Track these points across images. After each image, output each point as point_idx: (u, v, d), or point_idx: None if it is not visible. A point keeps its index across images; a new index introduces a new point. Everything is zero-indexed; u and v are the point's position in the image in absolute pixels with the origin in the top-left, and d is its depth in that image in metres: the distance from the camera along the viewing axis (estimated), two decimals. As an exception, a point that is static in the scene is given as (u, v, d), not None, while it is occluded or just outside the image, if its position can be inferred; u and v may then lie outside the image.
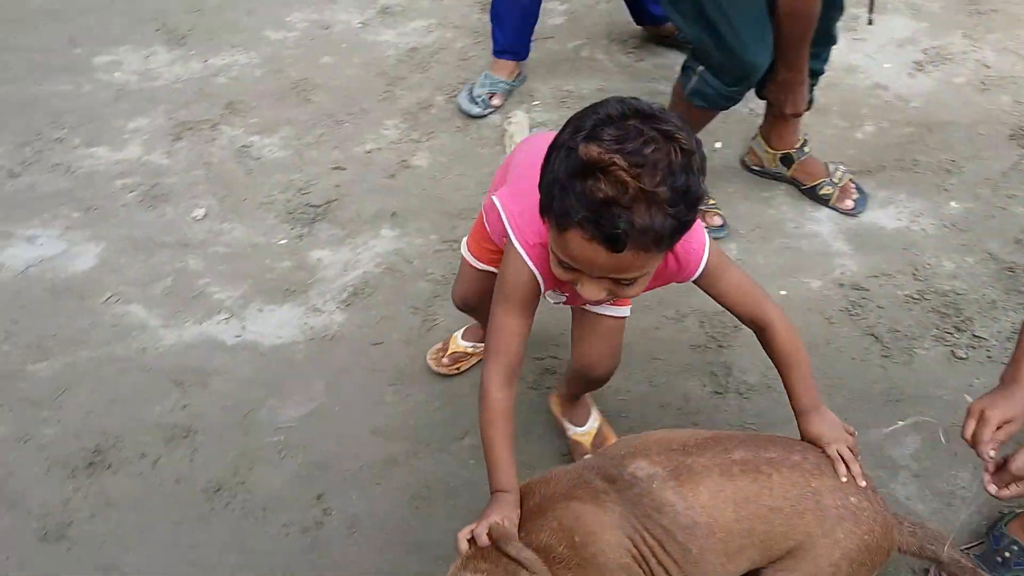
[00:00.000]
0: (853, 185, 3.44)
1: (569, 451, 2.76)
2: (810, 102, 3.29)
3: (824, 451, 2.02)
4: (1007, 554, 2.40)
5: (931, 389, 2.87)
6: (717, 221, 3.34)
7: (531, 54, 4.12)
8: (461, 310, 2.78)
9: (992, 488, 2.00)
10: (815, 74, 3.24)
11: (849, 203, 3.41)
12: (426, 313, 3.17)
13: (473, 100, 3.92)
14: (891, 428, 2.70)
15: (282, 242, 3.48)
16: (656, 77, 4.05)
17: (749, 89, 3.07)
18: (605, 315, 2.32)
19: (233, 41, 4.47)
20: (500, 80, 3.95)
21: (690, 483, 1.90)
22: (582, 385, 2.64)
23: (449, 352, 3.00)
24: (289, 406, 2.96)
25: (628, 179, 1.63)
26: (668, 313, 3.11)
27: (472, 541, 1.86)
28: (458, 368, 2.99)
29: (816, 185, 3.43)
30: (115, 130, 4.04)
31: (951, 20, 4.32)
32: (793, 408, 2.12)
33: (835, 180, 3.42)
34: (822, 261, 3.27)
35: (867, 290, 3.15)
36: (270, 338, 3.16)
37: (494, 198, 2.10)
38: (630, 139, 1.64)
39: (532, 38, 4.01)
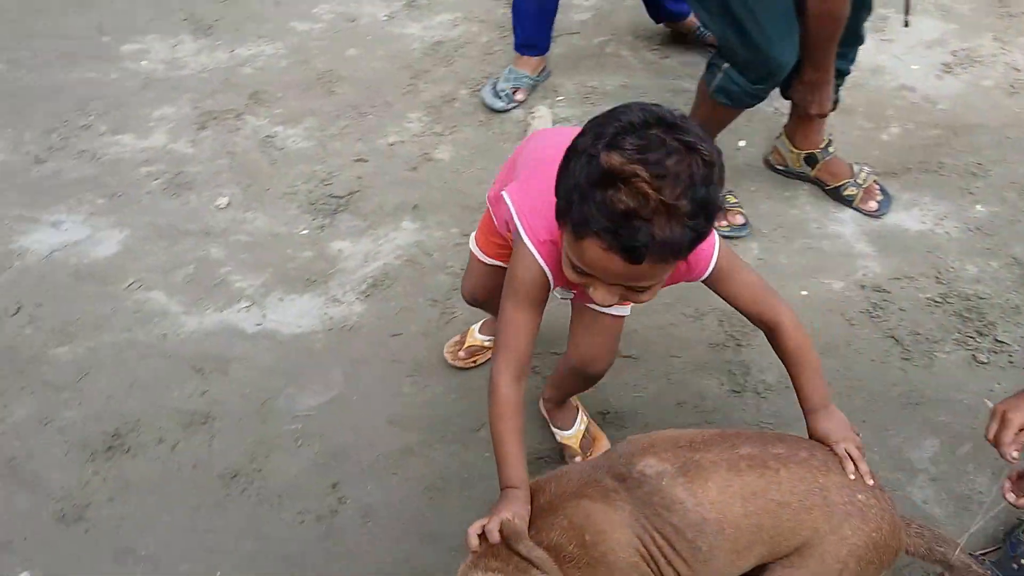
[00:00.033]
0: (877, 186, 3.43)
1: (564, 455, 2.77)
2: (836, 102, 3.27)
3: (831, 449, 2.02)
4: (1023, 561, 2.39)
5: (951, 393, 2.86)
6: (739, 220, 3.34)
7: (556, 50, 4.13)
8: (470, 304, 2.78)
9: (1011, 496, 1.99)
10: (841, 74, 3.23)
11: (873, 204, 3.39)
12: (445, 306, 3.18)
13: (497, 94, 3.93)
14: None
15: (304, 232, 3.49)
16: (681, 75, 4.04)
17: (774, 87, 3.05)
18: (605, 313, 2.31)
19: (259, 32, 4.48)
20: (524, 75, 3.95)
21: (699, 479, 1.90)
22: (577, 382, 2.62)
23: (466, 345, 3.00)
24: (307, 395, 2.97)
25: (650, 191, 1.61)
26: (687, 311, 3.10)
27: (483, 537, 1.85)
28: (475, 361, 3.00)
29: (840, 186, 3.41)
30: (141, 118, 4.06)
31: (981, 22, 4.29)
32: (802, 407, 2.12)
33: (859, 181, 3.40)
34: (844, 262, 3.25)
35: (889, 292, 3.14)
36: (290, 327, 3.17)
37: (504, 194, 2.08)
38: (652, 149, 1.63)
39: (554, 33, 4.00)
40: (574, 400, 2.78)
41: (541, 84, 4.04)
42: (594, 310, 2.31)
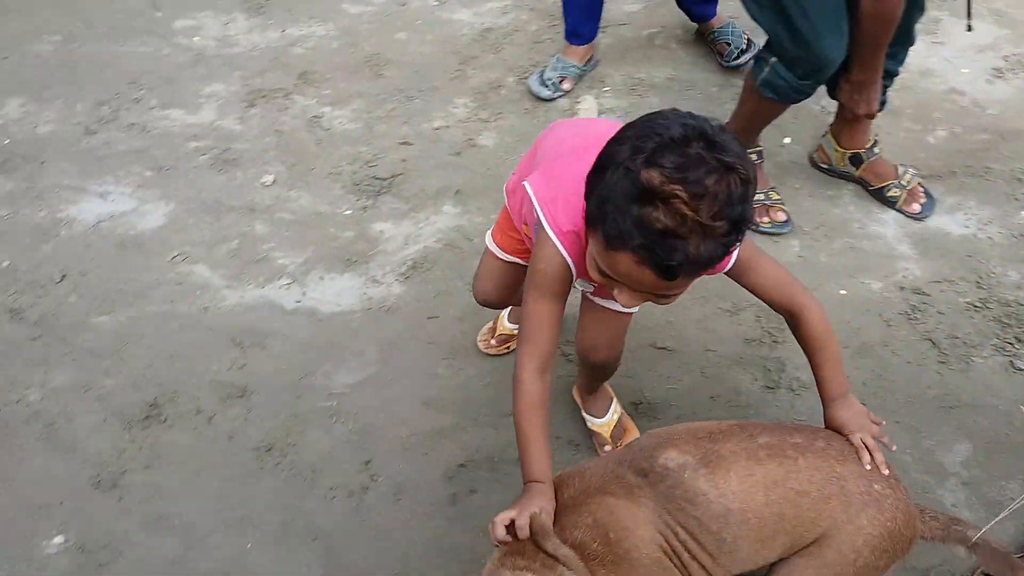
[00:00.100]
0: (921, 189, 3.40)
1: (593, 442, 2.79)
2: (883, 103, 3.25)
3: (848, 439, 2.02)
4: None
5: (987, 398, 2.84)
6: (781, 217, 3.33)
7: (604, 40, 4.13)
8: (483, 305, 2.76)
9: None
10: (890, 75, 3.21)
11: (916, 207, 3.37)
12: (482, 291, 3.19)
13: (543, 83, 3.93)
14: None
15: (347, 212, 3.52)
16: (729, 70, 4.02)
17: (821, 84, 3.04)
18: (611, 307, 2.32)
19: (311, 12, 4.51)
20: (571, 64, 3.95)
21: (720, 470, 1.91)
22: (586, 371, 2.65)
23: (497, 334, 3.02)
24: (343, 373, 3.00)
25: (687, 212, 1.60)
26: (724, 305, 3.10)
27: (511, 528, 1.84)
28: (508, 348, 3.01)
29: (884, 187, 3.39)
30: (191, 93, 4.10)
31: (1035, 28, 4.26)
32: (821, 395, 2.12)
33: (903, 183, 3.38)
34: (885, 263, 3.24)
35: (928, 295, 3.12)
36: (329, 305, 3.20)
37: (525, 183, 2.06)
38: (692, 168, 1.61)
39: (603, 24, 4.01)
40: (609, 389, 2.79)
41: (588, 74, 4.04)
42: (602, 302, 2.32)
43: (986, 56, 4.07)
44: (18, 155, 3.82)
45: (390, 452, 2.79)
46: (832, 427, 2.07)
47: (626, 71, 4.09)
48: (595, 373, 2.63)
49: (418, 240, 3.39)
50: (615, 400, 2.79)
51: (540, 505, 1.88)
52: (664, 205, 1.60)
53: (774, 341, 3.00)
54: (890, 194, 3.39)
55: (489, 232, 2.58)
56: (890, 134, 3.66)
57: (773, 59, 2.99)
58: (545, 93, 3.92)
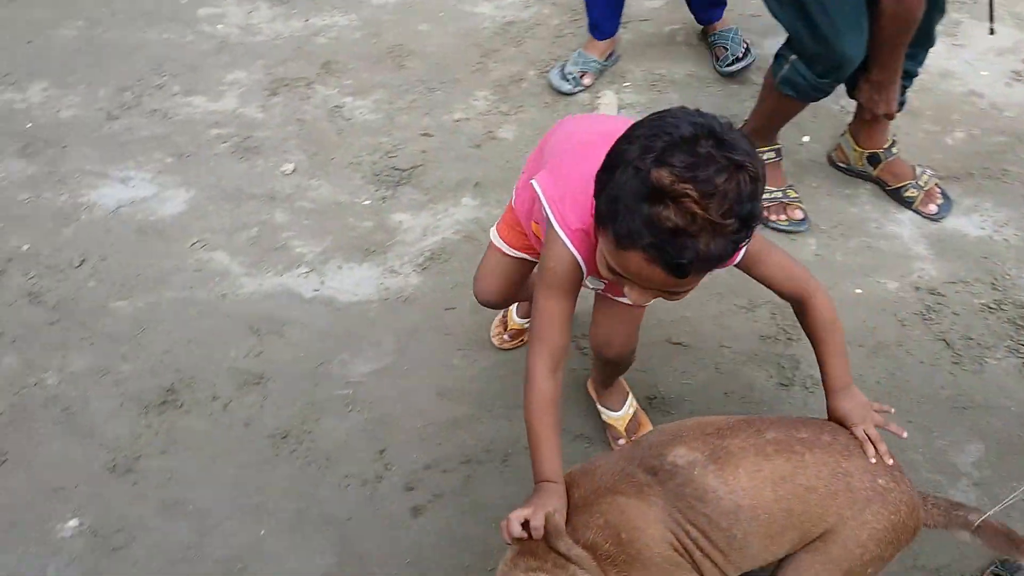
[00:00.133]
0: (938, 190, 3.41)
1: (607, 435, 2.80)
2: (901, 104, 3.25)
3: (852, 432, 2.03)
4: None
5: (1000, 400, 2.85)
6: (799, 215, 3.34)
7: (625, 35, 4.14)
8: (484, 305, 2.75)
9: None
10: (909, 75, 3.21)
11: (933, 207, 3.37)
12: (500, 283, 3.21)
13: (564, 77, 3.94)
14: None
15: (366, 203, 3.53)
16: (750, 68, 4.02)
17: (840, 82, 3.04)
18: (624, 302, 2.32)
19: (334, 2, 4.52)
20: (592, 59, 3.96)
21: (729, 466, 1.92)
22: (599, 366, 2.66)
23: (509, 328, 3.03)
24: (359, 362, 3.02)
25: (698, 210, 1.60)
26: (740, 302, 3.11)
27: (526, 527, 1.83)
28: (521, 341, 3.03)
29: (901, 187, 3.40)
30: (213, 81, 4.13)
31: (1056, 32, 4.25)
32: (824, 385, 2.13)
33: (921, 183, 3.39)
34: (900, 263, 3.24)
35: (943, 296, 3.13)
36: (346, 295, 3.22)
37: (533, 182, 2.06)
38: (701, 167, 1.61)
39: (624, 20, 4.02)
40: (624, 383, 2.80)
41: (609, 69, 4.05)
42: (614, 298, 2.33)
43: (1006, 59, 4.06)
44: (40, 139, 3.85)
45: (405, 442, 2.81)
46: (835, 418, 2.09)
47: (647, 67, 4.09)
48: (610, 368, 2.64)
49: (436, 231, 3.41)
50: (631, 394, 2.81)
51: (553, 505, 1.89)
52: (674, 204, 1.61)
53: (789, 339, 3.00)
54: (907, 194, 3.39)
55: (494, 229, 2.57)
56: (908, 135, 3.66)
57: (793, 56, 3.00)
58: (566, 87, 3.93)
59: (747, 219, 1.66)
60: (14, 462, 2.81)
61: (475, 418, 2.86)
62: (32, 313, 3.19)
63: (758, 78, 3.83)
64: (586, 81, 3.95)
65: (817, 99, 3.11)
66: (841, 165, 3.54)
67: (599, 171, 1.75)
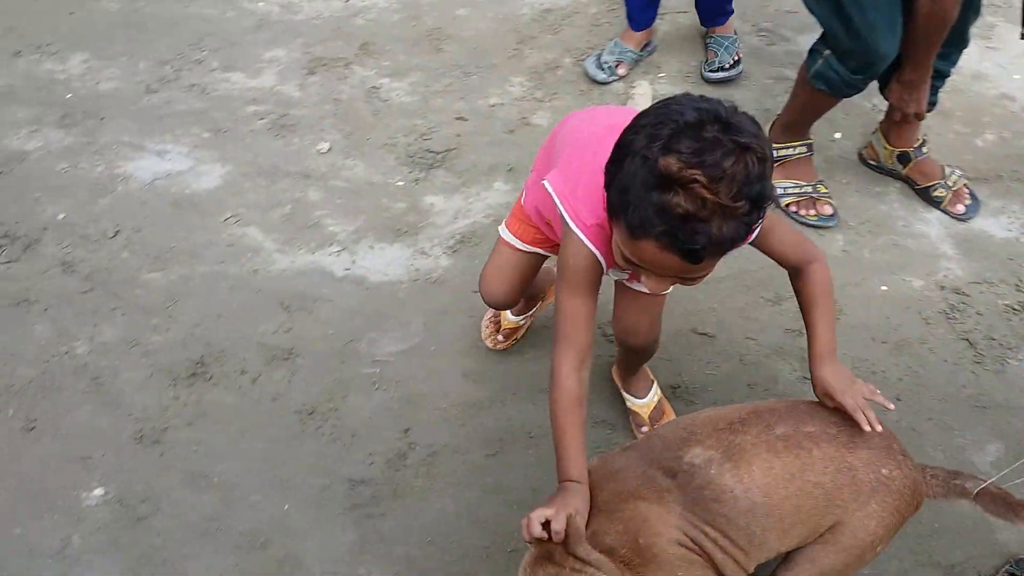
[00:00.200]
0: (967, 191, 3.41)
1: (630, 422, 2.81)
2: (933, 104, 3.25)
3: (841, 405, 2.02)
4: None
5: (1020, 400, 2.86)
6: (828, 210, 3.35)
7: (662, 27, 4.14)
8: (491, 306, 2.76)
9: None
10: (941, 76, 3.21)
11: (960, 208, 3.38)
12: (528, 267, 3.22)
13: (600, 66, 3.95)
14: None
15: (399, 184, 3.56)
16: (785, 63, 4.03)
17: (872, 79, 3.05)
18: (645, 291, 2.31)
19: (374, -17, 4.55)
20: (628, 49, 3.97)
21: (743, 463, 1.94)
22: (626, 355, 2.67)
23: (502, 328, 3.02)
24: (387, 341, 3.05)
25: (707, 195, 1.61)
26: (766, 295, 3.12)
27: (547, 527, 1.81)
28: (516, 339, 3.03)
29: (930, 186, 3.40)
30: (252, 58, 4.16)
31: (1092, 37, 4.22)
32: (810, 350, 2.12)
33: (949, 184, 3.39)
34: (927, 262, 3.25)
35: (968, 296, 3.13)
36: (377, 274, 3.24)
37: (545, 182, 2.07)
38: (708, 151, 1.62)
39: (661, 11, 4.04)
40: (648, 371, 2.82)
41: (644, 59, 4.06)
42: (635, 288, 2.34)
43: (1040, 64, 4.06)
44: (80, 110, 3.89)
45: (429, 422, 2.84)
46: (820, 387, 2.07)
47: (682, 59, 4.10)
48: (635, 356, 2.65)
49: (468, 215, 3.43)
50: (655, 382, 2.82)
51: (576, 507, 1.88)
52: (684, 190, 1.62)
53: (814, 333, 3.01)
54: (936, 194, 3.40)
55: (503, 225, 2.58)
56: (939, 135, 3.66)
57: (827, 52, 3.01)
58: (601, 76, 3.94)
59: (757, 200, 1.67)
60: (42, 429, 2.84)
61: (500, 400, 2.88)
62: (65, 282, 3.23)
63: (792, 73, 3.83)
64: (621, 71, 3.96)
65: (849, 95, 3.12)
66: (871, 163, 3.54)
67: (608, 163, 1.77)
